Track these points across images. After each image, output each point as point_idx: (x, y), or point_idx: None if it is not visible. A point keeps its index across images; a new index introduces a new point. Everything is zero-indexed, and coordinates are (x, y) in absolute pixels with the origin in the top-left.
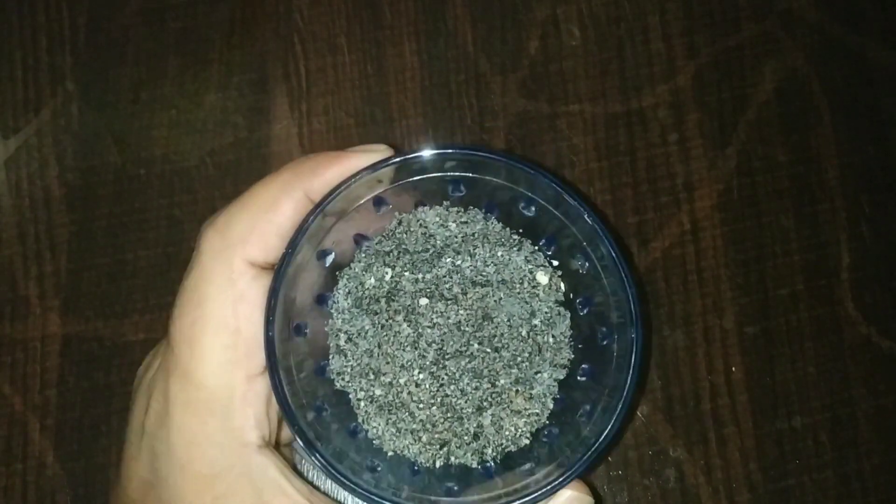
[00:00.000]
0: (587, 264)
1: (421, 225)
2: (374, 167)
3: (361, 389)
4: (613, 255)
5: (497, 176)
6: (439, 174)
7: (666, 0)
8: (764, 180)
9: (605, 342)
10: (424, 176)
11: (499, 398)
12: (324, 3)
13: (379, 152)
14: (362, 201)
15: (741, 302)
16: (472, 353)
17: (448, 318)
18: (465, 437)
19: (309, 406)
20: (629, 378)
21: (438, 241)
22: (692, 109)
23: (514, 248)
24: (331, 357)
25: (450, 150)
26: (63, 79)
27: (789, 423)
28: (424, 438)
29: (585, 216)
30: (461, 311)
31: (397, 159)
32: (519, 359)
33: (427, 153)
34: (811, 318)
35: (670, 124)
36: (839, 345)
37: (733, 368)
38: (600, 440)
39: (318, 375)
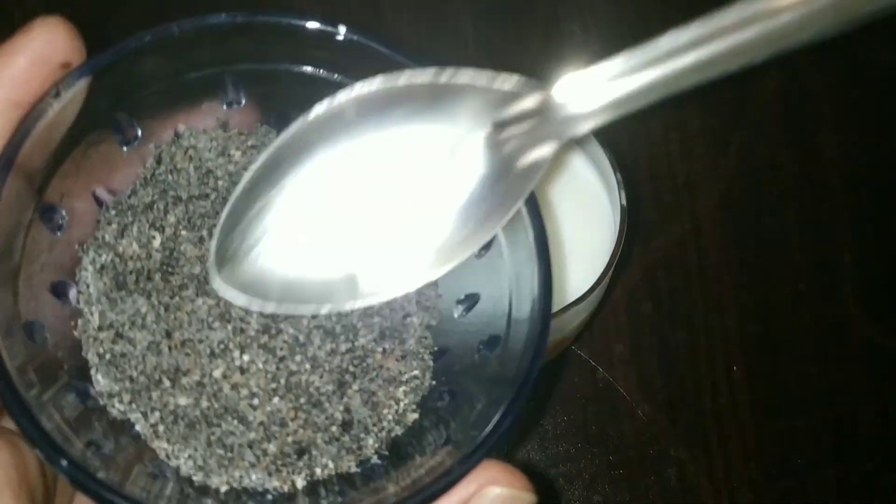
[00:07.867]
0: None
1: (191, 158)
2: (74, 77)
3: (154, 409)
4: None
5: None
6: (205, 70)
7: None
8: (765, 179)
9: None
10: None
11: (363, 364)
12: (324, 2)
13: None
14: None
15: (743, 301)
16: None
17: None
18: (332, 431)
19: (72, 447)
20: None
21: (220, 180)
22: (694, 108)
23: None
24: (93, 373)
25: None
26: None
27: (791, 422)
28: (271, 450)
29: None
30: None
31: (115, 53)
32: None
33: (182, 28)
34: (813, 317)
35: (672, 123)
36: (841, 344)
37: (735, 368)
38: (521, 386)
39: (80, 403)
